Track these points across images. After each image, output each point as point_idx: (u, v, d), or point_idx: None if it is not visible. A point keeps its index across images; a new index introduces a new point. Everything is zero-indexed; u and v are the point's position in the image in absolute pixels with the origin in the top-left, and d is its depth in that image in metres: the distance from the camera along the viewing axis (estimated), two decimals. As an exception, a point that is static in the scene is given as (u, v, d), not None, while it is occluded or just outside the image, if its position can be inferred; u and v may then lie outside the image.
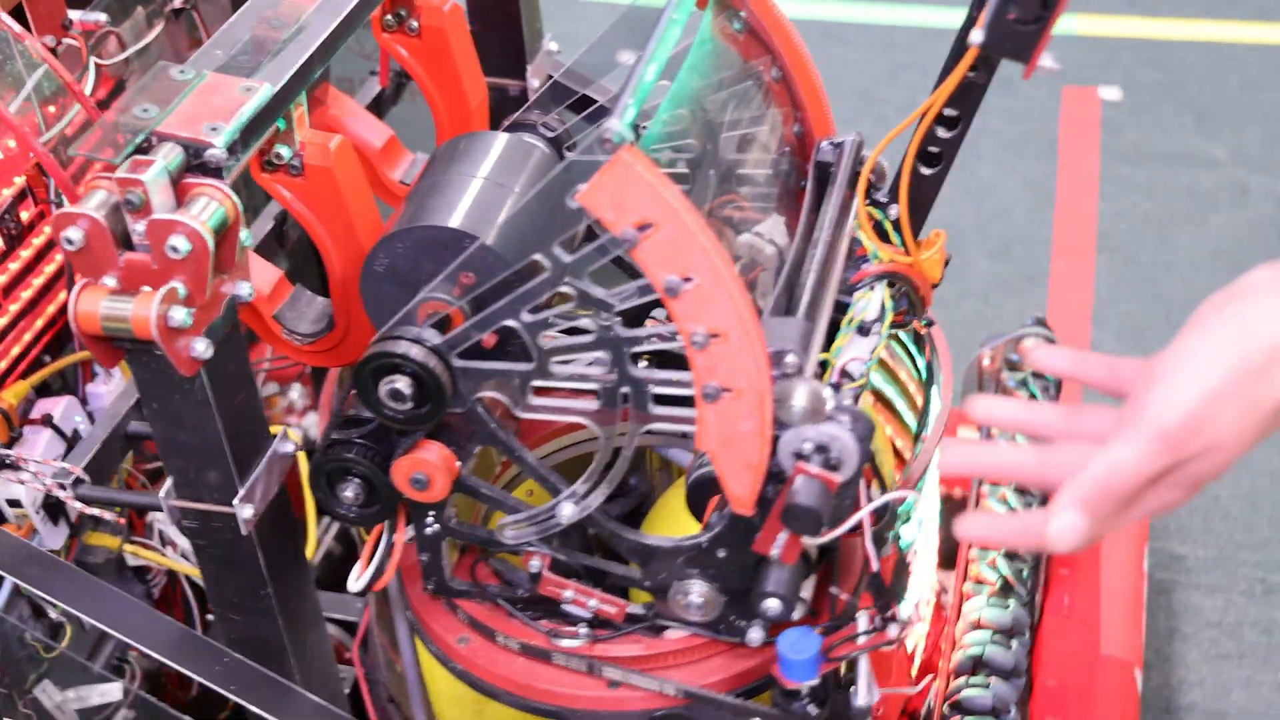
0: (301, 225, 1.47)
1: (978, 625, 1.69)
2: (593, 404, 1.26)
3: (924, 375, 1.63)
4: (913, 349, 1.68)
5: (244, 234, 1.29)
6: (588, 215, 1.16)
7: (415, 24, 1.58)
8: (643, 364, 1.25)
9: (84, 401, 1.63)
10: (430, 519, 1.37)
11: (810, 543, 1.27)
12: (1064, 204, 3.04)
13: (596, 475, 1.30)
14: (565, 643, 1.38)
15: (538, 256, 1.21)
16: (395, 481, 1.30)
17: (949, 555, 1.85)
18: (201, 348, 1.27)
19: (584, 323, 1.22)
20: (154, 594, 1.78)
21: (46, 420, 1.59)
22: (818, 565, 1.35)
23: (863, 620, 1.34)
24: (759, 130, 1.37)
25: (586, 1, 2.24)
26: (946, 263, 1.46)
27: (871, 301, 1.35)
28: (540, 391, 1.28)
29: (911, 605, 1.66)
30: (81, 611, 1.38)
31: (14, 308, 1.56)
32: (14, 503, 1.52)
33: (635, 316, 1.21)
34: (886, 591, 1.34)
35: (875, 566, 1.32)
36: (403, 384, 1.24)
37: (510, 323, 1.24)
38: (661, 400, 1.26)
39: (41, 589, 1.39)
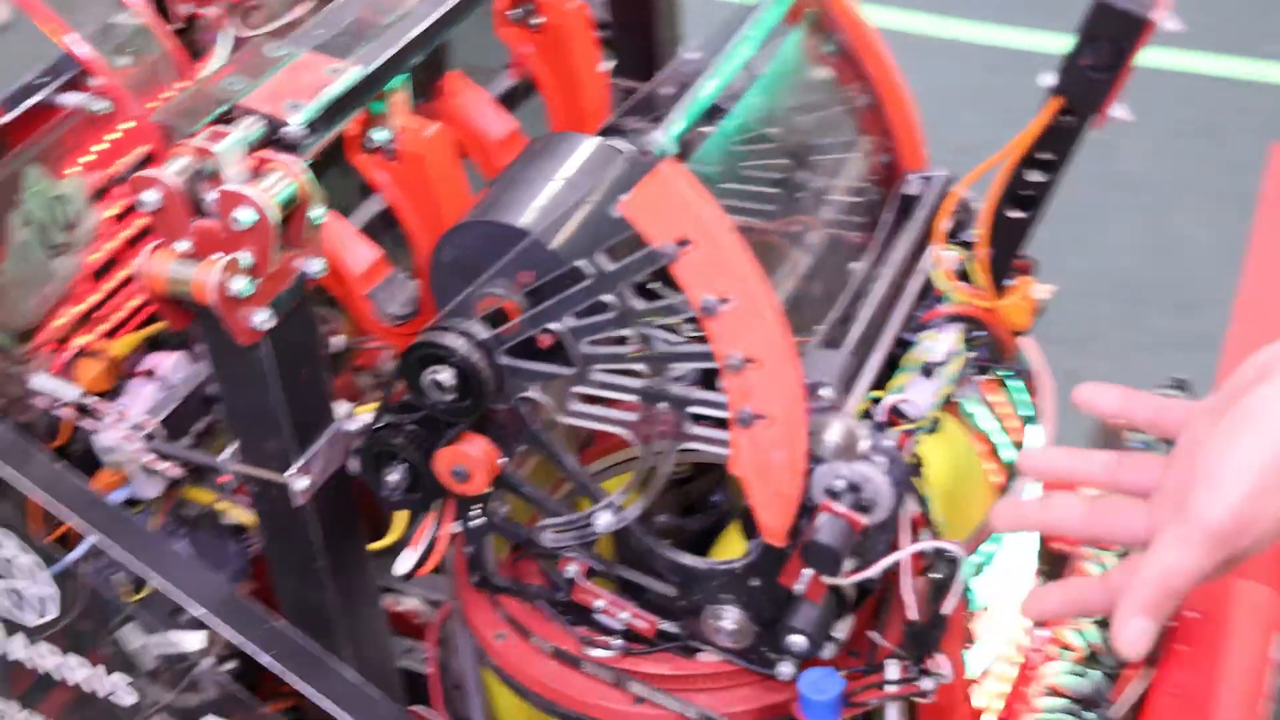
0: (393, 210, 1.49)
1: (1054, 691, 1.62)
2: (632, 416, 1.25)
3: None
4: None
5: (317, 211, 1.32)
6: (629, 226, 1.15)
7: (538, 19, 1.59)
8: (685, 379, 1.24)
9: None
10: (476, 512, 1.38)
11: (843, 582, 1.23)
12: (1253, 265, 2.91)
13: (635, 487, 1.29)
14: (595, 652, 1.37)
15: (580, 263, 1.20)
16: (437, 471, 1.31)
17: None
18: (261, 318, 1.29)
19: (628, 333, 1.21)
20: (248, 553, 1.82)
21: (151, 374, 1.63)
22: (857, 606, 1.32)
23: (892, 669, 1.30)
24: (841, 156, 1.35)
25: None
26: (1039, 312, 1.41)
27: (939, 343, 1.31)
28: (585, 399, 1.27)
29: (981, 661, 1.61)
30: (127, 556, 1.41)
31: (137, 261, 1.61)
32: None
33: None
34: (926, 642, 1.30)
35: (912, 614, 1.29)
36: (446, 375, 1.25)
37: (554, 326, 1.23)
38: (700, 420, 1.24)
39: (100, 531, 1.43)
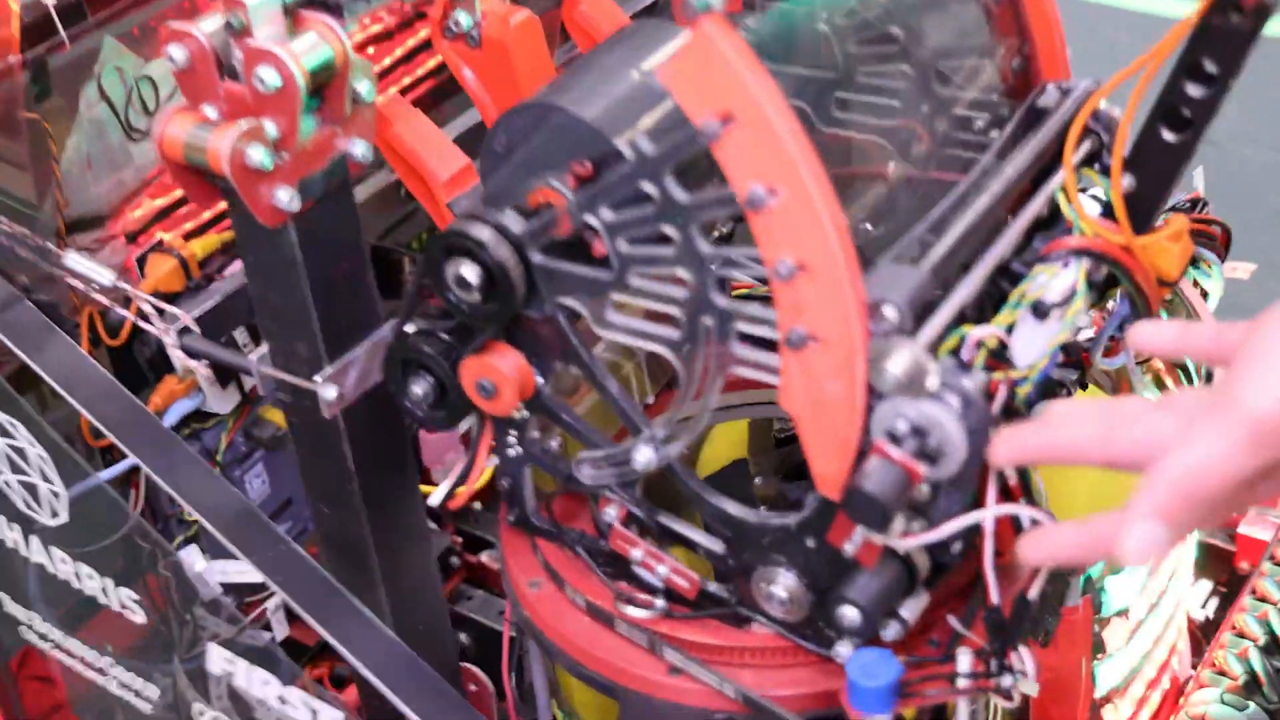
0: (475, 105, 1.35)
1: (1203, 721, 1.39)
2: (674, 333, 1.08)
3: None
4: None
5: (364, 85, 1.18)
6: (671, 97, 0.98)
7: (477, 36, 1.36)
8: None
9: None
10: (512, 439, 1.22)
11: (904, 544, 1.04)
12: None
13: (674, 413, 1.12)
14: (631, 611, 1.20)
15: (621, 144, 1.04)
16: (463, 383, 1.16)
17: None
18: (286, 197, 1.17)
19: (672, 234, 1.04)
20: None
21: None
22: (933, 583, 1.12)
23: (964, 659, 1.10)
24: (967, 57, 1.15)
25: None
26: (1196, 261, 1.19)
27: (1058, 280, 1.10)
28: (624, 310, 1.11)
29: (1113, 676, 1.39)
30: (148, 465, 1.30)
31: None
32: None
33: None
34: (1007, 632, 1.09)
35: (994, 599, 1.08)
36: (470, 271, 1.10)
37: (590, 220, 1.07)
38: (749, 340, 1.06)
39: (120, 436, 1.32)
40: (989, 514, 1.03)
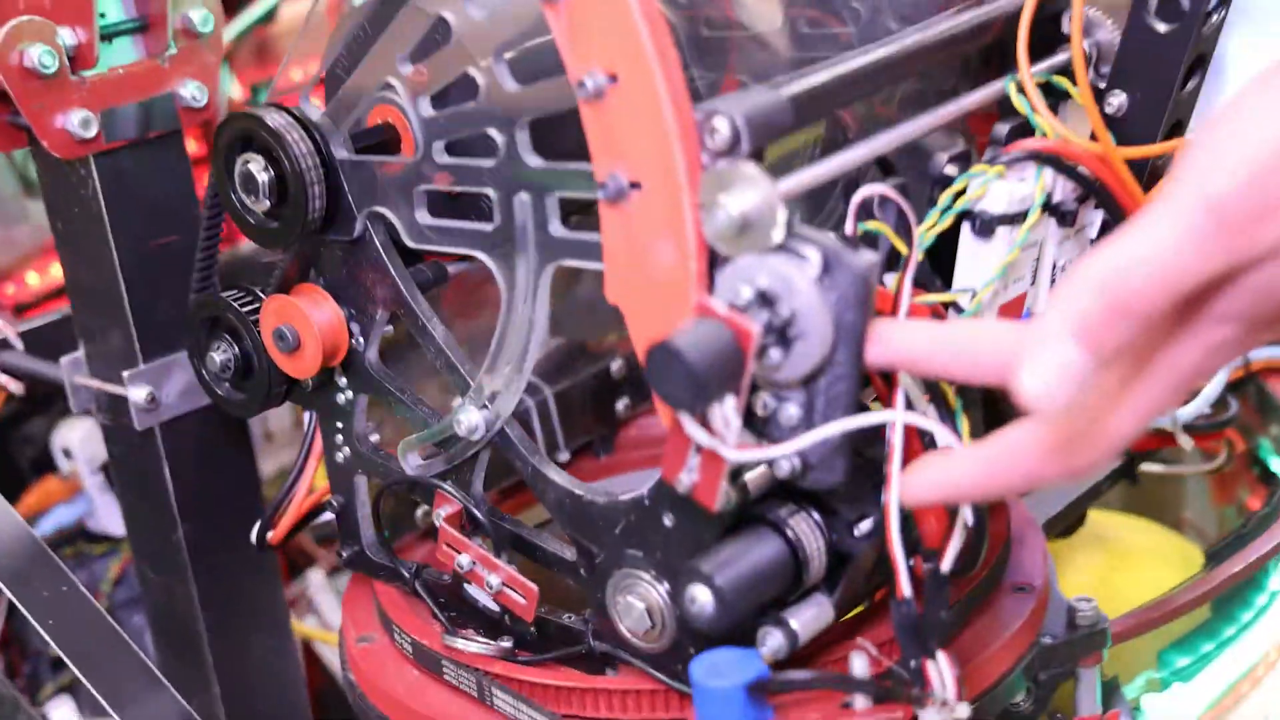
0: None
1: None
2: (488, 226, 0.85)
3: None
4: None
5: (199, 14, 1.02)
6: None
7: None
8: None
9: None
10: (339, 438, 0.98)
11: (742, 458, 0.77)
12: None
13: (498, 356, 0.87)
14: (460, 645, 0.92)
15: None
16: (262, 332, 0.93)
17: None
18: (79, 122, 0.99)
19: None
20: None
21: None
22: (834, 585, 0.83)
23: (859, 664, 0.79)
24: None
25: None
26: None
27: (1005, 189, 0.85)
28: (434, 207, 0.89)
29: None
30: (8, 585, 1.07)
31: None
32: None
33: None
34: (919, 633, 0.79)
35: (905, 590, 0.79)
36: (257, 166, 0.89)
37: (390, 79, 0.87)
38: (573, 219, 0.83)
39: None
40: (856, 422, 0.75)
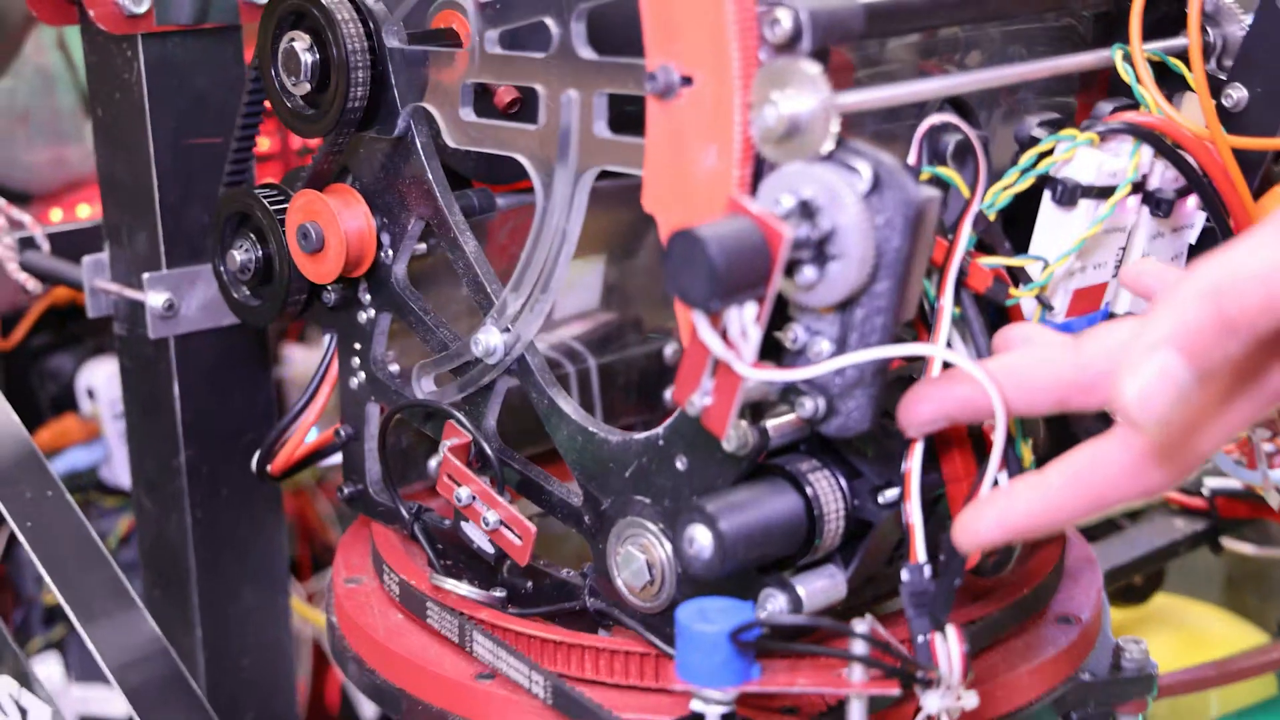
0: None
1: None
2: (533, 126, 0.87)
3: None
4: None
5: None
6: None
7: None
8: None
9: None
10: (355, 361, 1.00)
11: (760, 378, 0.77)
12: None
13: (525, 271, 0.89)
14: (449, 585, 0.93)
15: None
16: (287, 230, 0.96)
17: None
18: (130, -2, 1.02)
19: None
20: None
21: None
22: (849, 557, 0.83)
23: (859, 631, 0.78)
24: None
25: None
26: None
27: (1097, 160, 0.85)
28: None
29: None
30: (11, 514, 1.09)
31: None
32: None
33: None
34: (934, 608, 0.79)
35: (919, 553, 0.79)
36: (302, 45, 0.92)
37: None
38: (625, 124, 0.84)
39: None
40: (885, 352, 0.75)
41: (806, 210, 0.75)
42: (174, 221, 1.05)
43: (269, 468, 1.04)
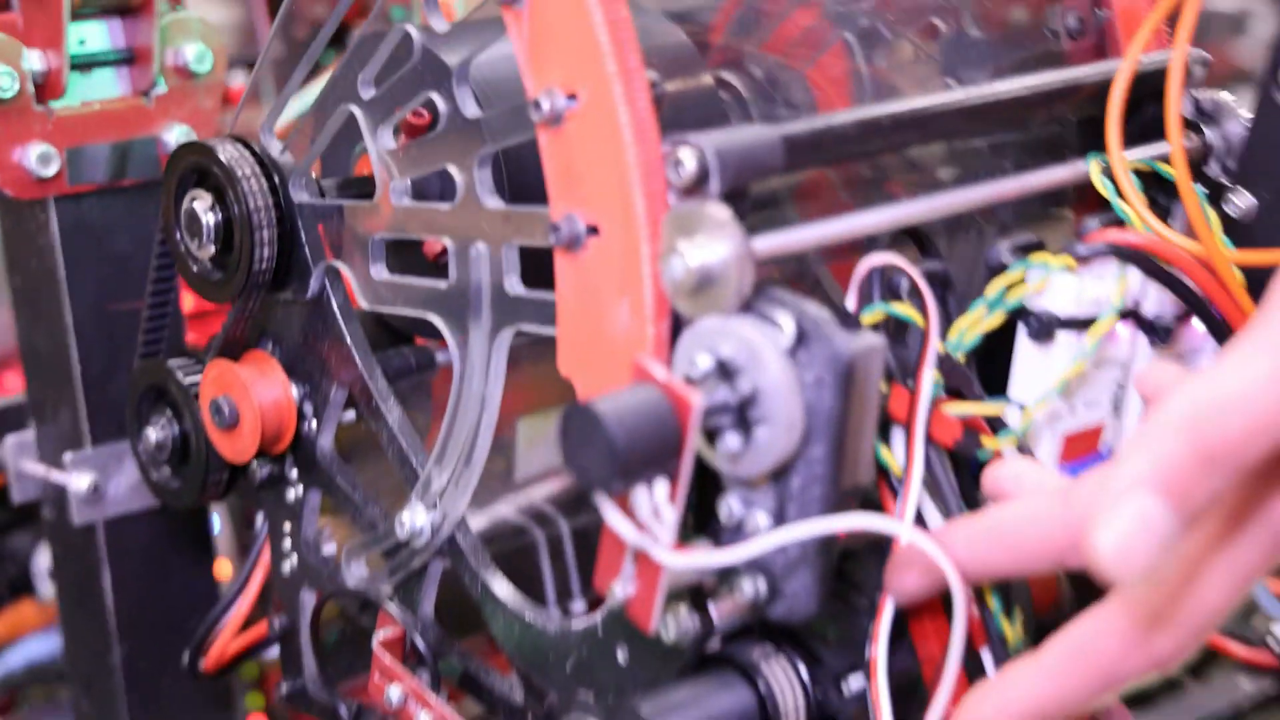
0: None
1: None
2: (443, 284, 0.84)
3: None
4: None
5: (194, 50, 1.05)
6: None
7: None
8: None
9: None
10: (287, 544, 0.97)
11: (680, 565, 0.74)
12: None
13: (446, 443, 0.86)
14: (380, 799, 0.89)
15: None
16: (201, 405, 0.93)
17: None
18: (37, 158, 1.01)
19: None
20: None
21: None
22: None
23: None
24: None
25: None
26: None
27: (1075, 287, 0.81)
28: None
29: None
30: None
31: None
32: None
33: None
34: None
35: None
36: (203, 206, 0.90)
37: (352, 108, 0.87)
38: (533, 277, 0.81)
39: None
40: (825, 525, 0.71)
41: (725, 371, 0.71)
42: (98, 395, 1.03)
43: (200, 666, 1.00)
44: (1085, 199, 0.91)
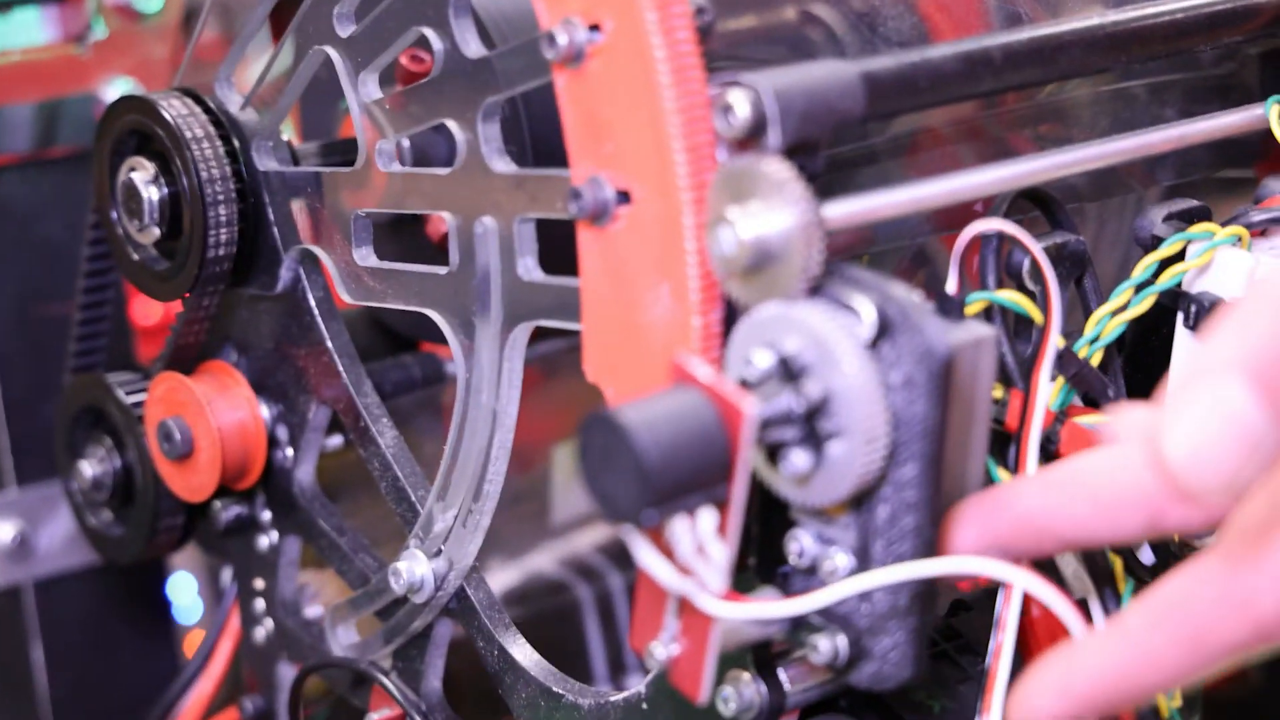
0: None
1: None
2: (442, 269, 0.88)
3: None
4: None
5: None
6: None
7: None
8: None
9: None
10: (259, 605, 1.01)
11: (734, 617, 0.77)
12: None
13: (451, 473, 0.89)
14: None
15: None
16: (146, 429, 0.97)
17: None
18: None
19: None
20: None
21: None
22: None
23: None
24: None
25: None
26: None
27: (1247, 264, 0.83)
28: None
29: None
30: None
31: None
32: None
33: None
34: None
35: None
36: (143, 177, 0.94)
37: (327, 49, 0.90)
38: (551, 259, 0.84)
39: None
40: (925, 569, 0.73)
41: (789, 371, 0.73)
42: (23, 423, 1.06)
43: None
44: (1267, 154, 0.92)
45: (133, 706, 1.09)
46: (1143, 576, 0.81)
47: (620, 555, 1.10)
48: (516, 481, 0.96)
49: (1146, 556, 0.83)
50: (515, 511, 0.91)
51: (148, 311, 1.12)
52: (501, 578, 0.99)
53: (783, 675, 0.78)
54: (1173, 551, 0.83)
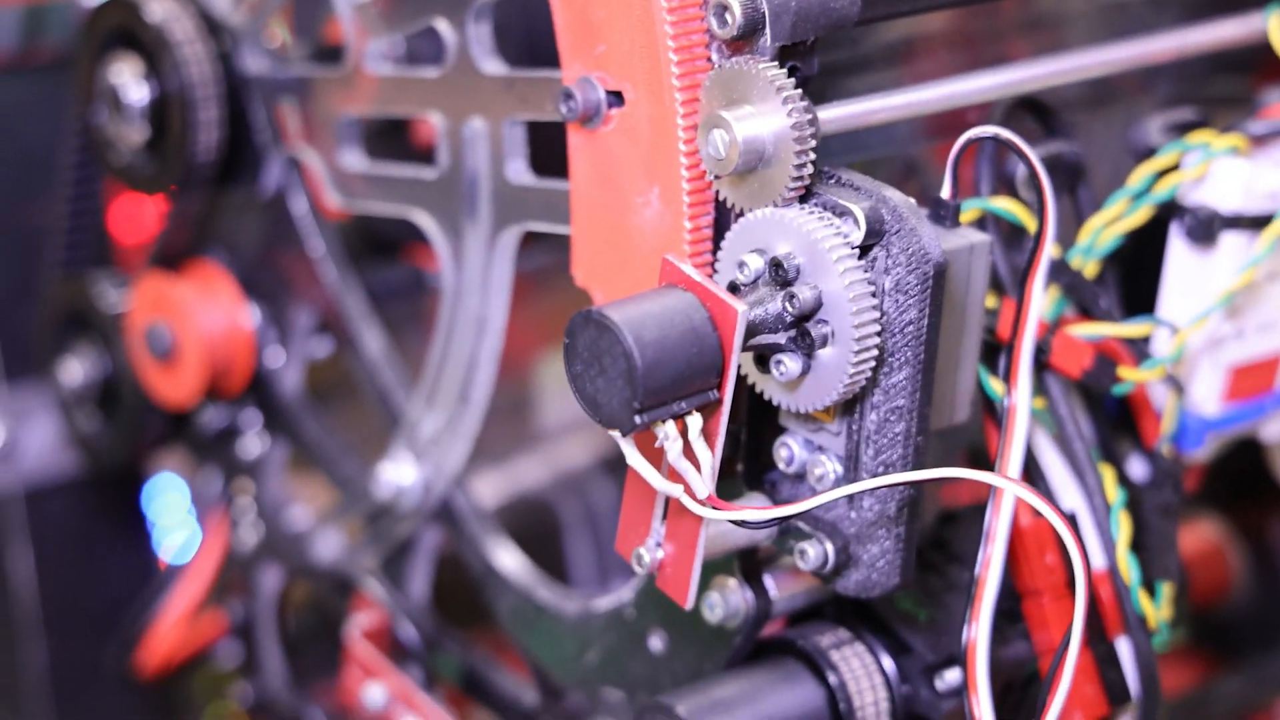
0: None
1: None
2: (433, 172, 0.87)
3: None
4: None
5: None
6: None
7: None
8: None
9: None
10: (245, 508, 1.00)
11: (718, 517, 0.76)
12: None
13: (438, 378, 0.88)
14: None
15: None
16: (131, 332, 0.97)
17: None
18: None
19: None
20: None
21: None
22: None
23: None
24: None
25: None
26: None
27: (1245, 175, 0.82)
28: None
29: None
30: None
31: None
32: None
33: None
34: None
35: None
36: (130, 77, 0.93)
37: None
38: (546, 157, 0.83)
39: None
40: (912, 477, 0.72)
41: (780, 275, 0.72)
42: (11, 323, 1.05)
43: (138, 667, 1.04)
44: (1265, 65, 0.92)
45: (116, 614, 1.08)
46: (1133, 488, 0.80)
47: (606, 466, 1.10)
48: (502, 393, 0.95)
49: (1137, 470, 0.83)
50: (502, 423, 0.90)
51: (129, 229, 1.10)
52: (485, 488, 0.97)
53: (769, 582, 0.77)
54: (1164, 466, 0.83)
